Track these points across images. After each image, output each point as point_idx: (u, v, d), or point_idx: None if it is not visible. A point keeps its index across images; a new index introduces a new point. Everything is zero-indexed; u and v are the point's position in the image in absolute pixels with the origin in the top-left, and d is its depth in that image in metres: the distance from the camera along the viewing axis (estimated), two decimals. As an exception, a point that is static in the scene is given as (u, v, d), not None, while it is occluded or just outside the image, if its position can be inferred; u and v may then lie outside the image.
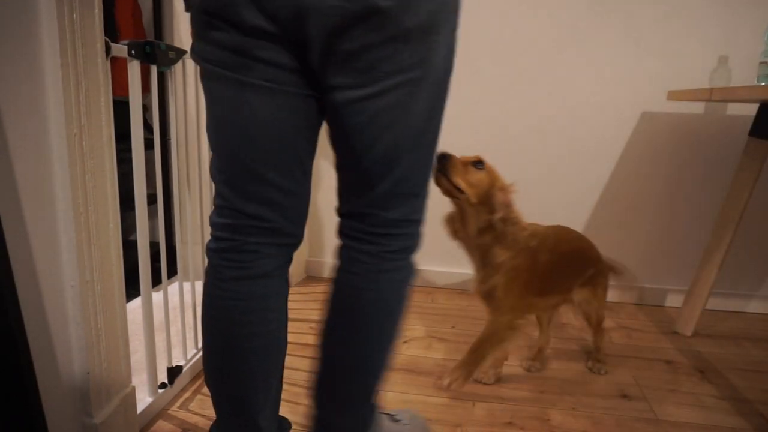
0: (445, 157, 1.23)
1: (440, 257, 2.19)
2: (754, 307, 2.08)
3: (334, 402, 0.96)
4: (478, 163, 1.27)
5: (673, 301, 2.10)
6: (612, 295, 2.14)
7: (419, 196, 0.89)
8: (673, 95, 1.81)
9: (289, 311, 0.96)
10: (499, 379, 1.49)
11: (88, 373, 0.99)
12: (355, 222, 0.88)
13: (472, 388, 1.43)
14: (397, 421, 1.18)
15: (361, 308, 0.89)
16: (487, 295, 1.36)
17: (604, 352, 1.61)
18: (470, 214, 1.29)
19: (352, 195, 0.88)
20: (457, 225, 1.33)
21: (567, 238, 1.49)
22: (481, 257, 1.34)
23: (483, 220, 1.28)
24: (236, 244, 0.85)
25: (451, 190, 1.25)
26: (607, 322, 1.92)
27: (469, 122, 2.04)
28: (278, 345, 0.93)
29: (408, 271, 0.92)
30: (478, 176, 1.25)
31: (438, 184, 1.24)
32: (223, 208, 0.85)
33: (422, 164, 0.87)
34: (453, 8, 0.79)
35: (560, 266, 1.43)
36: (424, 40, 0.76)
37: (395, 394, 1.40)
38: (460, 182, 1.24)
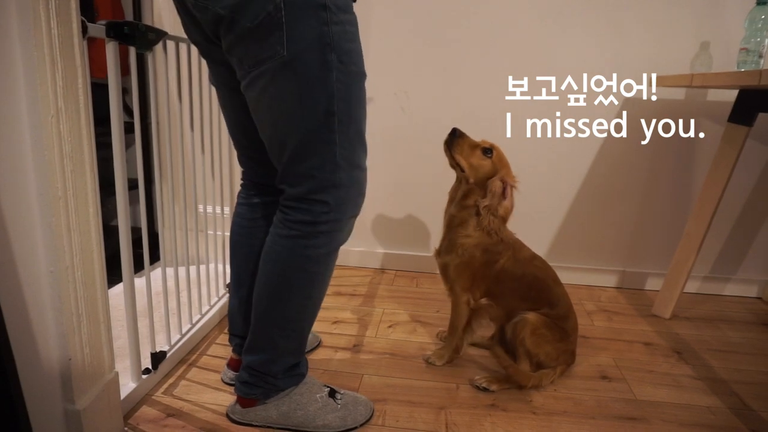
0: (455, 134, 1.37)
1: (424, 242, 2.20)
2: (730, 290, 2.14)
3: (248, 340, 1.14)
4: (487, 150, 1.37)
5: (653, 284, 2.14)
6: (593, 279, 2.18)
7: (317, 178, 0.98)
8: (655, 81, 1.83)
9: None
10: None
11: (70, 359, 0.98)
12: (278, 195, 1.06)
13: (457, 371, 1.45)
14: (334, 397, 1.20)
15: (264, 264, 1.08)
16: (443, 270, 1.45)
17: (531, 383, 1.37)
18: (463, 189, 1.39)
19: (274, 171, 1.05)
20: (452, 194, 1.44)
21: (539, 272, 1.42)
22: (448, 228, 1.43)
23: (472, 199, 1.37)
24: (241, 185, 1.27)
25: (453, 164, 1.39)
26: (589, 306, 1.96)
27: (451, 112, 2.03)
28: (246, 253, 1.22)
29: (308, 241, 1.02)
30: (481, 161, 1.37)
31: (446, 154, 1.39)
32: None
33: (312, 148, 0.96)
34: (305, 6, 0.86)
35: (515, 282, 1.40)
36: (268, 37, 0.87)
37: (379, 378, 1.41)
38: (461, 160, 1.36)
